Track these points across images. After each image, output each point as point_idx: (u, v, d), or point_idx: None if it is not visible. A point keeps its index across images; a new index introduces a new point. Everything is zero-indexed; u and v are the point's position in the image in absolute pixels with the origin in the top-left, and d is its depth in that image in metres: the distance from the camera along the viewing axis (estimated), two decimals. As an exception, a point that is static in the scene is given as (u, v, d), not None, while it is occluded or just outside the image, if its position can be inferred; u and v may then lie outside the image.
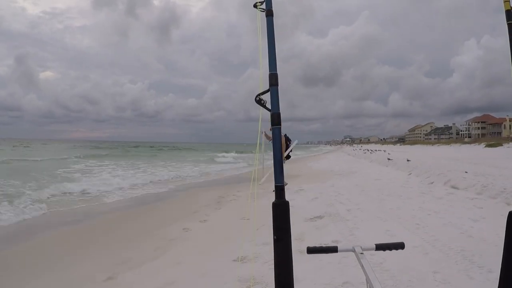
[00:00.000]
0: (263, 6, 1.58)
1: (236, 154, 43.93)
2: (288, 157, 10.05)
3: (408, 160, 19.39)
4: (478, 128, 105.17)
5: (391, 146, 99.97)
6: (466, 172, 11.30)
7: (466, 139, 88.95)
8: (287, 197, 1.47)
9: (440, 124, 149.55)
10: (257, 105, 1.53)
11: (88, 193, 11.22)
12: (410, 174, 13.15)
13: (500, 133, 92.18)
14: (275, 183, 1.47)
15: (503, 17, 1.61)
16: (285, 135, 10.33)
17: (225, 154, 42.36)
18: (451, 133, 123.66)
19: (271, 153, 1.53)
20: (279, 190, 1.46)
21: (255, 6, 1.62)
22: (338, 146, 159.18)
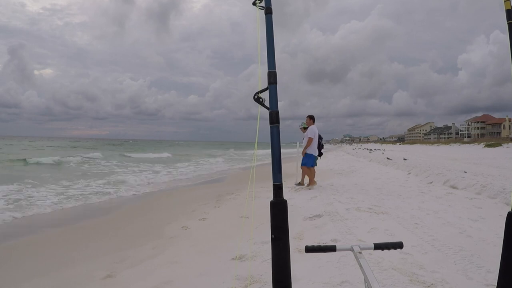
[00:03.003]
0: (262, 3, 1.57)
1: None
2: (320, 154, 10.95)
3: (404, 159, 19.41)
4: (478, 128, 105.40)
5: (390, 145, 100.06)
6: (465, 172, 11.31)
7: (466, 139, 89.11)
8: (286, 195, 1.47)
9: (440, 124, 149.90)
10: (256, 103, 1.53)
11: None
12: (409, 173, 13.16)
13: (499, 133, 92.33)
14: (273, 181, 1.46)
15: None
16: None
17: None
18: (451, 133, 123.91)
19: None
20: (277, 188, 1.46)
21: (254, 3, 1.61)
22: (337, 145, 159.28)
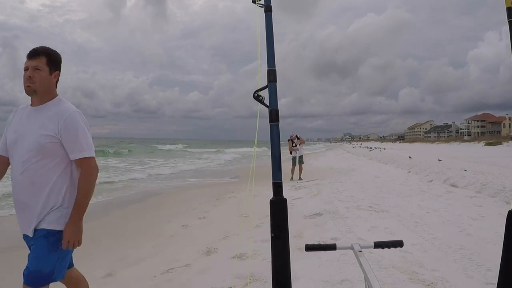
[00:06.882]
0: (262, 1, 1.57)
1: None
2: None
3: (410, 157, 19.45)
4: (478, 126, 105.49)
5: (390, 143, 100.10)
6: (465, 170, 11.31)
7: (466, 138, 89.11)
8: (286, 194, 1.46)
9: (440, 122, 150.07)
10: (256, 101, 1.52)
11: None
12: (409, 172, 13.16)
13: (499, 131, 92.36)
14: (273, 180, 1.46)
15: None
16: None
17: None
18: (451, 131, 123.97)
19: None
20: (277, 187, 1.45)
21: (254, 1, 1.60)
22: (338, 143, 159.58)
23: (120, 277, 4.09)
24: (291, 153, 12.91)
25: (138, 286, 3.80)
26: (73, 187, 2.12)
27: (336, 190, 8.90)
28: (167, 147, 57.86)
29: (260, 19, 1.57)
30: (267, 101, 1.50)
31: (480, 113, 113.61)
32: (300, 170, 12.77)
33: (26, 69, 2.02)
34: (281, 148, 1.53)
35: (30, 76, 2.00)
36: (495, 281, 1.53)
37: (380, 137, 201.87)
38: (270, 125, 1.49)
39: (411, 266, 3.51)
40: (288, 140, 12.99)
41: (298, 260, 3.60)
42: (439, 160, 17.03)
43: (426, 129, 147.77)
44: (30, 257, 2.02)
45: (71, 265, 2.40)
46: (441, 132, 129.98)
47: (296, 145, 12.80)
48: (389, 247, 1.51)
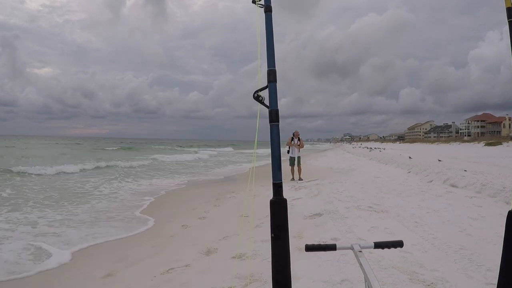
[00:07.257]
0: (262, 1, 1.57)
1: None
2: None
3: (410, 158, 19.41)
4: (478, 126, 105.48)
5: (390, 144, 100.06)
6: (465, 170, 11.31)
7: (466, 138, 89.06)
8: (286, 194, 1.46)
9: (440, 122, 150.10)
10: (256, 101, 1.52)
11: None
12: (409, 172, 13.16)
13: (499, 132, 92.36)
14: (273, 180, 1.46)
15: None
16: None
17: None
18: (451, 132, 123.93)
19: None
20: (277, 187, 1.45)
21: (253, 2, 1.60)
22: (338, 143, 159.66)
23: (120, 277, 4.09)
24: (288, 150, 12.97)
25: (138, 286, 3.81)
26: None
27: (336, 190, 8.90)
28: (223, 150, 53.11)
29: (260, 19, 1.58)
30: (267, 101, 1.50)
31: (480, 113, 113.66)
32: (299, 170, 12.84)
33: None
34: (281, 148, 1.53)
35: None
36: (495, 281, 1.53)
37: (380, 137, 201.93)
38: (270, 125, 1.48)
39: (411, 266, 3.51)
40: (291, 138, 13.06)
41: (298, 260, 3.60)
42: (439, 160, 17.00)
43: (426, 129, 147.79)
44: None
45: None
46: (441, 132, 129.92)
47: (294, 143, 12.87)
48: (389, 247, 1.51)
